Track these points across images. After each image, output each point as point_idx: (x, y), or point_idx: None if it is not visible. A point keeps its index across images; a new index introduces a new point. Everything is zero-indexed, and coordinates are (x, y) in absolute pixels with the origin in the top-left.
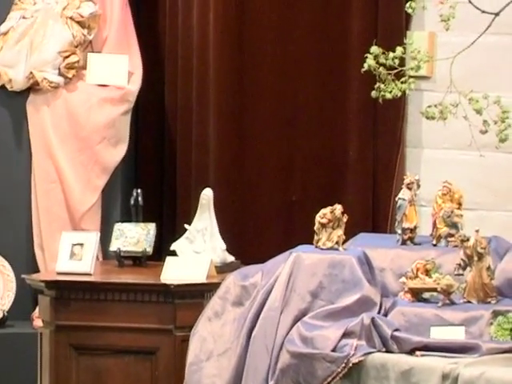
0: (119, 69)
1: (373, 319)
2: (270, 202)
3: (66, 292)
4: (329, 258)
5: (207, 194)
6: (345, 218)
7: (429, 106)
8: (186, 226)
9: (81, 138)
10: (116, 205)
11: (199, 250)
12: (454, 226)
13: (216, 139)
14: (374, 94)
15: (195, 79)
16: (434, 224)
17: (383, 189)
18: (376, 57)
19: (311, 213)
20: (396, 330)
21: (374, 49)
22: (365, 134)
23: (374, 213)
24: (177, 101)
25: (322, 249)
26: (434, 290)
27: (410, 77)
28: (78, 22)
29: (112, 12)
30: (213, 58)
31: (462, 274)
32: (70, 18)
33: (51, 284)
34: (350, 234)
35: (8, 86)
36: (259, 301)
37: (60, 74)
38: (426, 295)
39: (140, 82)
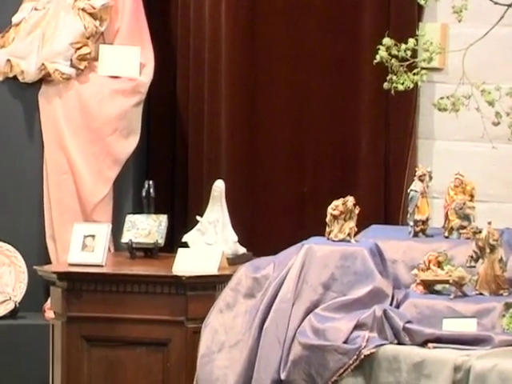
0: (131, 60)
1: (385, 311)
2: (282, 193)
3: (78, 283)
4: (341, 249)
5: (219, 186)
6: (357, 210)
7: (441, 98)
8: (198, 217)
9: (92, 129)
10: (128, 196)
11: (211, 241)
12: (466, 217)
13: (228, 131)
14: (386, 85)
15: (207, 70)
16: (446, 216)
17: (395, 180)
18: (388, 48)
19: (323, 204)
20: (408, 321)
21: (387, 40)
22: (377, 125)
23: (385, 204)
24: (189, 92)
25: (333, 240)
26: (446, 282)
27: (423, 68)
28: (90, 14)
29: (124, 3)
30: (225, 49)
31: (474, 266)
32: (82, 9)
33: (63, 275)
34: (361, 225)
35: (20, 78)
36: (271, 293)
37: (72, 65)
38: (438, 287)
39: (152, 74)
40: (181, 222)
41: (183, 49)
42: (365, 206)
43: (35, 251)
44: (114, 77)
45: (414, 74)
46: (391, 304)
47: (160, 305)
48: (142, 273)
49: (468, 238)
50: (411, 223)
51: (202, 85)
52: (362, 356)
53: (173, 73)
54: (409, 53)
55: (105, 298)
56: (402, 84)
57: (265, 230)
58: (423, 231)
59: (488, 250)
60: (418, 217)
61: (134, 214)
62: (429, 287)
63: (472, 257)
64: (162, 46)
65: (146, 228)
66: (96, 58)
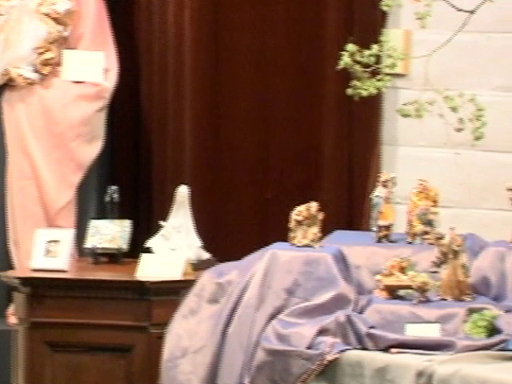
0: (95, 65)
1: (348, 316)
2: (246, 199)
3: (41, 289)
4: (304, 255)
5: (183, 191)
6: (320, 216)
7: (404, 104)
8: (162, 222)
9: (56, 134)
10: (91, 202)
11: (175, 247)
12: (429, 223)
13: (192, 136)
14: (349, 91)
15: (171, 75)
16: (410, 222)
17: (359, 186)
18: (352, 54)
19: (287, 210)
20: (371, 327)
21: (350, 46)
22: (340, 131)
23: (349, 210)
24: (152, 97)
25: (297, 246)
26: (410, 287)
27: (386, 74)
28: (54, 19)
29: (88, 8)
30: (189, 53)
31: (437, 272)
32: (46, 14)
33: (26, 281)
34: (325, 231)
35: None
36: (235, 298)
37: (35, 70)
38: (402, 292)
39: (116, 79)
40: (145, 228)
41: (147, 54)
42: (329, 211)
43: None
44: (78, 82)
45: (378, 81)
46: (354, 309)
47: (123, 310)
48: (106, 278)
49: (431, 244)
50: (375, 229)
51: (165, 89)
52: (326, 361)
53: (137, 78)
54: (372, 59)
55: (68, 303)
56: (366, 90)
57: (229, 236)
58: (387, 237)
59: (451, 256)
60: (381, 222)
61: (97, 219)
62: (392, 292)
63: (435, 262)
64: (126, 50)
65: (110, 233)
66: (60, 63)
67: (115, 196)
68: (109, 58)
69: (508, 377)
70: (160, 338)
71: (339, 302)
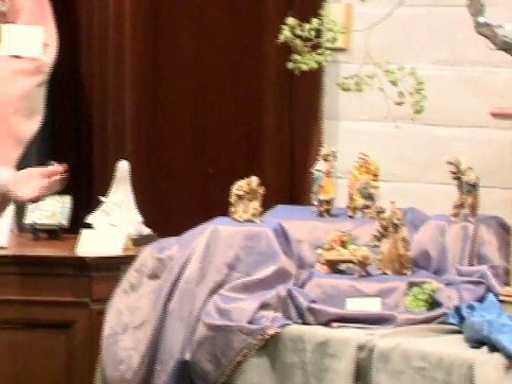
0: (34, 40)
1: (289, 291)
2: (187, 174)
3: None
4: (245, 230)
5: (123, 167)
6: (261, 190)
7: (345, 78)
8: (102, 198)
9: None
10: None
11: (115, 222)
12: (370, 197)
13: (132, 111)
14: (290, 65)
15: (111, 50)
16: (351, 196)
17: (300, 161)
18: (292, 28)
19: (228, 185)
20: (312, 301)
21: (290, 20)
22: (281, 106)
23: (291, 185)
24: (93, 72)
25: (238, 221)
26: (350, 261)
27: (327, 48)
28: None
29: None
30: (129, 28)
31: (378, 246)
32: None
33: None
34: (267, 206)
35: None
36: (175, 273)
37: None
38: (342, 267)
39: (55, 53)
40: (85, 203)
41: (87, 28)
42: (270, 186)
43: None
44: (17, 57)
45: (318, 54)
46: (295, 284)
47: (64, 286)
48: (46, 254)
49: (372, 218)
50: (316, 203)
51: (106, 64)
52: (267, 336)
53: (76, 53)
54: (313, 33)
55: (8, 279)
56: (306, 64)
57: (170, 211)
58: (328, 211)
59: (391, 230)
60: (322, 197)
61: None
62: (333, 267)
63: (376, 236)
64: (66, 25)
65: (50, 209)
66: None
67: None
68: (48, 32)
69: (448, 350)
70: (101, 314)
71: (280, 276)
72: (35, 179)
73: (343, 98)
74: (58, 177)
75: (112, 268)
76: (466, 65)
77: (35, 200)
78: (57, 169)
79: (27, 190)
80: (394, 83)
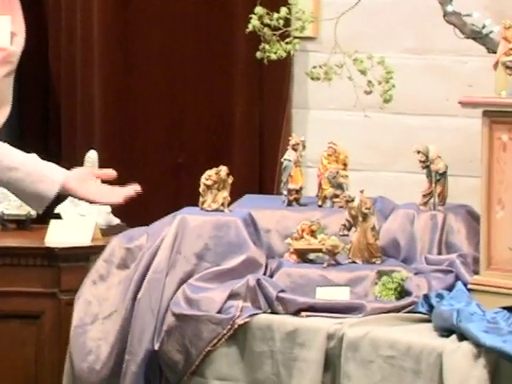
0: (1, 30)
1: (258, 280)
2: (157, 164)
3: None
4: (214, 219)
5: (91, 157)
6: (230, 180)
7: (314, 67)
8: None
9: None
10: None
11: (84, 212)
12: (339, 186)
13: (101, 100)
14: (258, 54)
15: (79, 39)
16: (320, 185)
17: (270, 150)
18: (260, 17)
19: (198, 175)
20: (281, 291)
21: (259, 9)
22: (251, 95)
23: (260, 174)
24: (61, 61)
25: (207, 210)
26: (320, 250)
27: (295, 37)
28: None
29: None
30: (97, 17)
31: (347, 235)
32: None
33: None
34: (236, 195)
35: None
36: (144, 263)
37: None
38: (312, 256)
39: (23, 43)
40: None
41: (55, 18)
42: (240, 175)
43: None
44: None
45: (287, 43)
46: (265, 273)
47: (32, 277)
48: (14, 245)
49: (341, 207)
50: (285, 192)
51: (74, 54)
52: (236, 326)
53: (44, 42)
54: (281, 22)
55: None
56: (275, 53)
57: (139, 201)
58: (297, 200)
59: (361, 219)
60: (291, 186)
61: None
62: (302, 256)
63: (345, 225)
64: (34, 14)
65: (18, 200)
66: None
67: None
68: (15, 21)
69: (417, 338)
70: (69, 305)
71: (249, 266)
72: (90, 178)
73: (312, 88)
74: (128, 191)
75: (81, 258)
76: (435, 53)
77: (94, 202)
78: (110, 173)
79: (87, 188)
80: (362, 72)
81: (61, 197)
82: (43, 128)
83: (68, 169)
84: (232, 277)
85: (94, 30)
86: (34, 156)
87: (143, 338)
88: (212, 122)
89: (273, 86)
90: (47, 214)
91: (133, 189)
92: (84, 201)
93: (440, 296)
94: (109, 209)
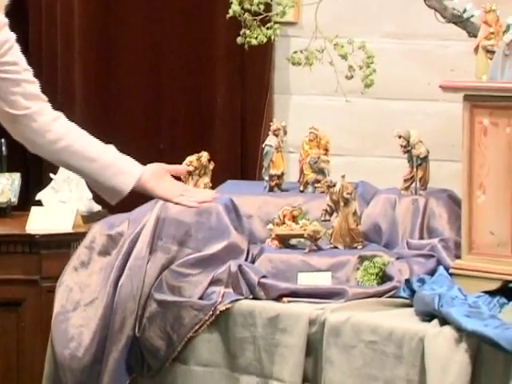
0: None
1: (240, 266)
2: (138, 150)
3: None
4: None
5: None
6: (211, 166)
7: (294, 52)
8: (52, 175)
9: None
10: None
11: (65, 199)
12: (321, 171)
13: (82, 88)
14: (239, 40)
15: (60, 25)
16: (301, 170)
17: (251, 135)
18: (241, 2)
19: (179, 161)
20: (263, 276)
21: None
22: (232, 80)
23: (242, 160)
24: (41, 48)
25: None
26: (301, 236)
27: (276, 22)
28: None
29: None
30: (77, 2)
31: (329, 220)
32: None
33: None
34: (219, 181)
35: None
36: (126, 250)
37: None
38: (293, 241)
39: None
40: (35, 180)
41: (35, 3)
42: (222, 161)
43: None
44: None
45: (268, 29)
46: (246, 259)
47: (13, 264)
48: None
49: (323, 192)
50: (266, 178)
51: (54, 40)
52: (218, 312)
53: (25, 30)
54: (262, 7)
55: None
56: (256, 38)
57: None
58: (278, 186)
59: (342, 204)
60: (272, 171)
61: None
62: (284, 241)
63: (326, 210)
64: (13, 2)
65: None
66: None
67: (3, 149)
68: None
69: (398, 323)
70: (51, 292)
71: (231, 251)
72: (164, 173)
73: (293, 73)
74: (205, 196)
75: (62, 245)
76: (416, 38)
77: (171, 202)
78: (181, 169)
79: (165, 187)
80: (343, 57)
81: (41, 184)
82: None
83: None
84: (214, 263)
85: (74, 17)
86: (112, 148)
87: (125, 325)
88: (193, 107)
89: (254, 71)
90: (28, 201)
91: (211, 195)
92: (161, 199)
93: (421, 281)
94: (90, 195)
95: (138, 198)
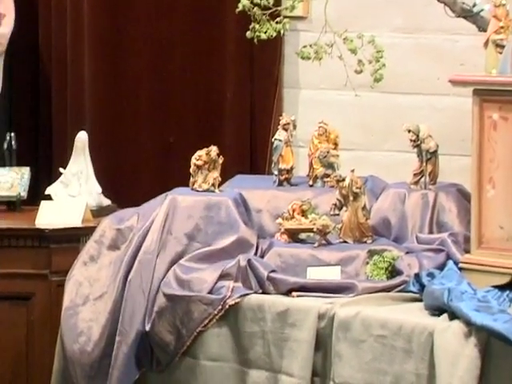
0: None
1: (249, 261)
2: (147, 144)
3: None
4: (205, 200)
5: (82, 137)
6: (220, 160)
7: (304, 46)
8: (61, 169)
9: None
10: None
11: (74, 193)
12: (330, 166)
13: (91, 81)
14: (248, 34)
15: (69, 19)
16: (311, 164)
17: (261, 130)
18: None
19: (188, 155)
20: (272, 271)
21: None
22: (242, 75)
23: (251, 154)
24: (51, 42)
25: (197, 191)
26: (311, 230)
27: (285, 17)
28: None
29: None
30: None
31: (338, 214)
32: None
33: None
34: (228, 175)
35: None
36: (135, 244)
37: None
38: (303, 236)
39: (13, 24)
40: (45, 175)
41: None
42: (231, 155)
43: None
44: None
45: (277, 23)
46: (256, 253)
47: (23, 258)
48: (5, 226)
49: (332, 187)
50: (276, 172)
51: (64, 34)
52: (227, 306)
53: (34, 23)
54: (271, 1)
55: None
56: (265, 33)
57: (129, 182)
58: (288, 180)
59: (351, 198)
60: (282, 166)
61: None
62: (293, 236)
63: (336, 205)
64: None
65: (9, 181)
66: None
67: (13, 143)
68: (5, 2)
69: (408, 318)
70: (60, 286)
71: (240, 246)
72: None
73: (303, 67)
74: None
75: (71, 239)
76: (426, 32)
77: None
78: None
79: None
80: (353, 51)
81: (51, 178)
82: (33, 109)
83: (58, 150)
84: (223, 257)
85: (84, 11)
86: None
87: (134, 319)
88: (203, 101)
89: (263, 65)
90: (38, 195)
91: None
92: None
93: (431, 275)
94: (99, 189)
95: (147, 192)
